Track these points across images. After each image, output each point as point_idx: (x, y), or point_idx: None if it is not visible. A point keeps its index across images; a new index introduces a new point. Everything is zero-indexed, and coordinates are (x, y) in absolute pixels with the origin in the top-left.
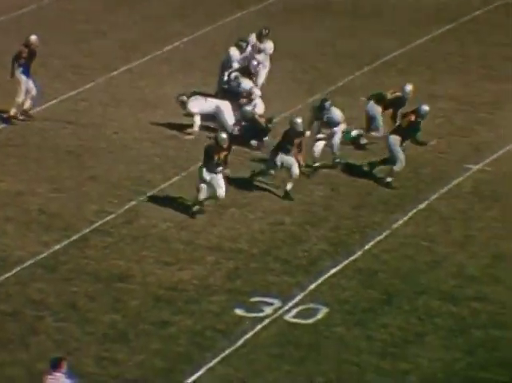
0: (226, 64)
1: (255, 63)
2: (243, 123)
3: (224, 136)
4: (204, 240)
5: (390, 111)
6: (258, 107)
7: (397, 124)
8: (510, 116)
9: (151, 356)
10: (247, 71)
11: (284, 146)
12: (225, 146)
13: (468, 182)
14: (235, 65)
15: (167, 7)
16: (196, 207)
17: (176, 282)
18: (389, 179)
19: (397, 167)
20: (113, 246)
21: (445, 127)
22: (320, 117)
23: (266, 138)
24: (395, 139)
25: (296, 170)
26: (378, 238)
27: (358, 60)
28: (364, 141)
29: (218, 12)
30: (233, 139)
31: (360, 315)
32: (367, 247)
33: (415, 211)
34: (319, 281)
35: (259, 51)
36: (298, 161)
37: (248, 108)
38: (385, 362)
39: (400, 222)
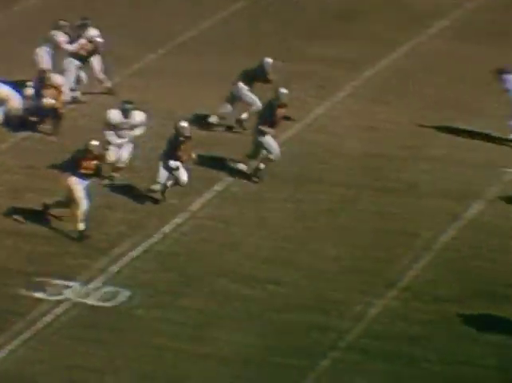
0: (47, 50)
1: (76, 47)
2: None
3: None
4: (2, 224)
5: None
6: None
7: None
8: (301, 95)
9: None
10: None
11: (171, 152)
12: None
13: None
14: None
15: None
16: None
17: None
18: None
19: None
20: None
21: None
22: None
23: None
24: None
25: (185, 177)
26: (176, 221)
27: (151, 42)
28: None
29: None
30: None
31: (160, 298)
32: (166, 230)
33: (211, 193)
34: (119, 264)
35: (79, 37)
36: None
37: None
38: (185, 345)
39: (197, 204)
